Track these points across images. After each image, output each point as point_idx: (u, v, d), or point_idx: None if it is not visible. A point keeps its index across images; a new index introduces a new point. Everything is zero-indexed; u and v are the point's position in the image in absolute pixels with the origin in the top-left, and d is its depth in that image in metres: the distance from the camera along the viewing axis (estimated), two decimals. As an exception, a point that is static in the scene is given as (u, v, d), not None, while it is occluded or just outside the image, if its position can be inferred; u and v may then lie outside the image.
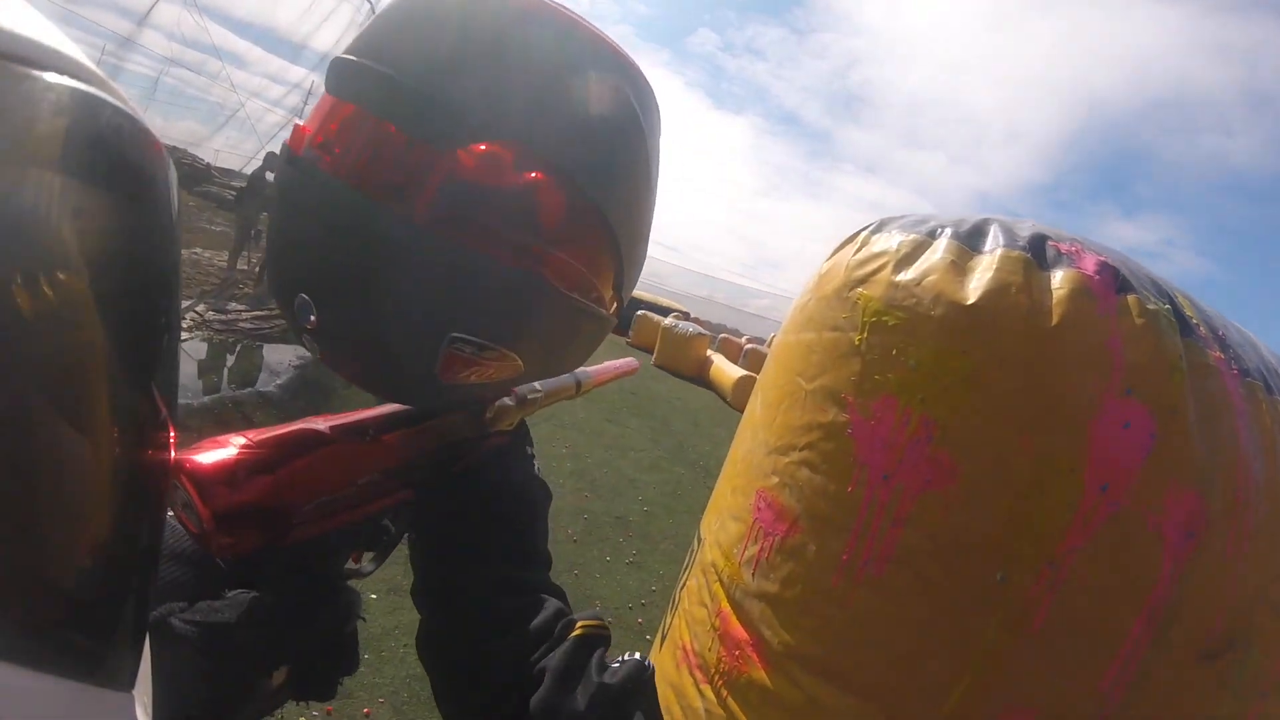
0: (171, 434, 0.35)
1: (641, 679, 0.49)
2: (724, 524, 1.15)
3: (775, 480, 1.04)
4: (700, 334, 13.46)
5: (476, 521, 0.55)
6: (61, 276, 0.26)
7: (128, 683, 0.31)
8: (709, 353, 13.09)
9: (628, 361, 0.85)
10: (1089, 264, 0.93)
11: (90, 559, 0.29)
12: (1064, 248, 0.95)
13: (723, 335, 16.66)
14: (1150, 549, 0.87)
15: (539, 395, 0.63)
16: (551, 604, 0.54)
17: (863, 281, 1.01)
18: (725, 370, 12.01)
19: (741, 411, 1.34)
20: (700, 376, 12.66)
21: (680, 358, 12.93)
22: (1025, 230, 0.97)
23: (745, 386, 10.33)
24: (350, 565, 0.53)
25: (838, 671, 0.95)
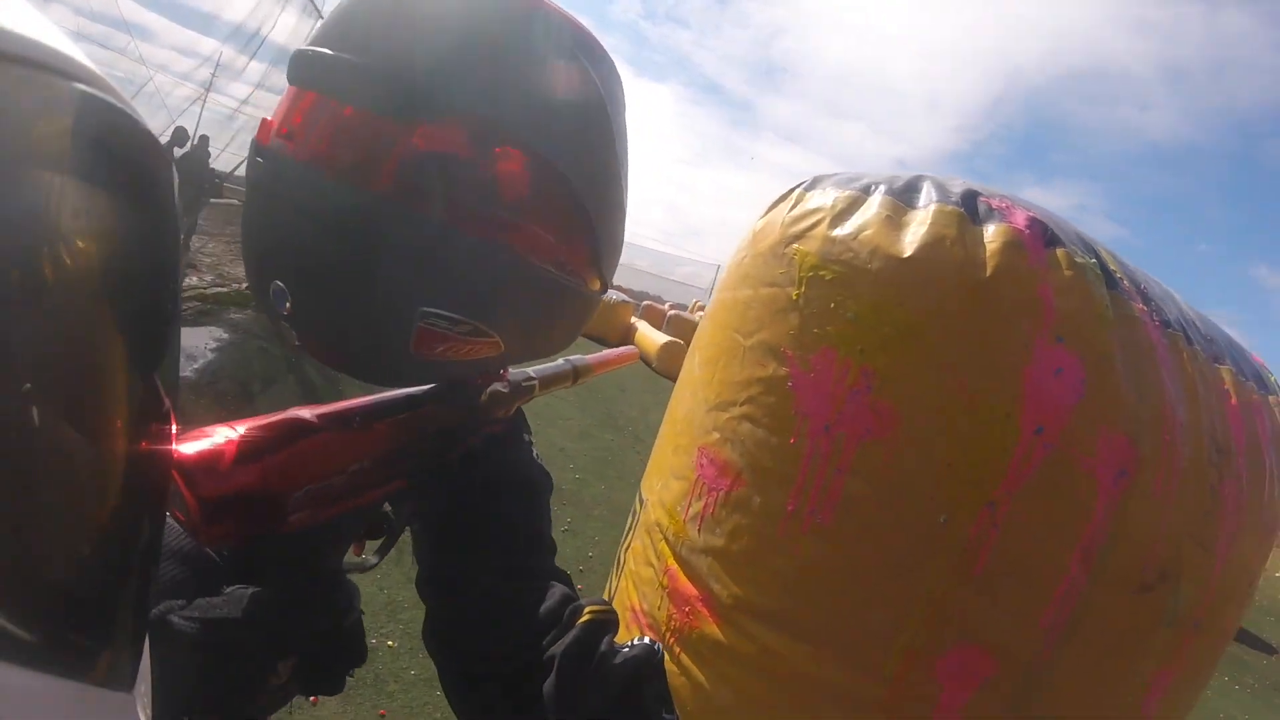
0: (173, 432, 0.34)
1: (652, 662, 0.48)
2: (666, 483, 1.16)
3: (716, 436, 1.05)
4: (624, 301, 13.36)
5: (477, 509, 0.54)
6: (62, 275, 0.26)
7: (128, 683, 0.30)
8: (633, 320, 13.08)
9: (628, 349, 0.82)
10: (1019, 219, 0.96)
11: (90, 558, 0.28)
12: (995, 203, 0.98)
13: (646, 302, 16.60)
14: (1084, 489, 0.92)
15: (534, 383, 0.62)
16: (558, 590, 0.53)
17: (798, 237, 1.02)
18: (650, 337, 12.02)
19: (667, 378, 1.34)
20: (625, 344, 12.67)
21: (605, 326, 12.85)
22: (957, 187, 1.00)
23: (670, 352, 10.38)
24: (353, 558, 0.52)
25: (789, 620, 0.98)
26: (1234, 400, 1.10)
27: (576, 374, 0.70)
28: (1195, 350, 1.06)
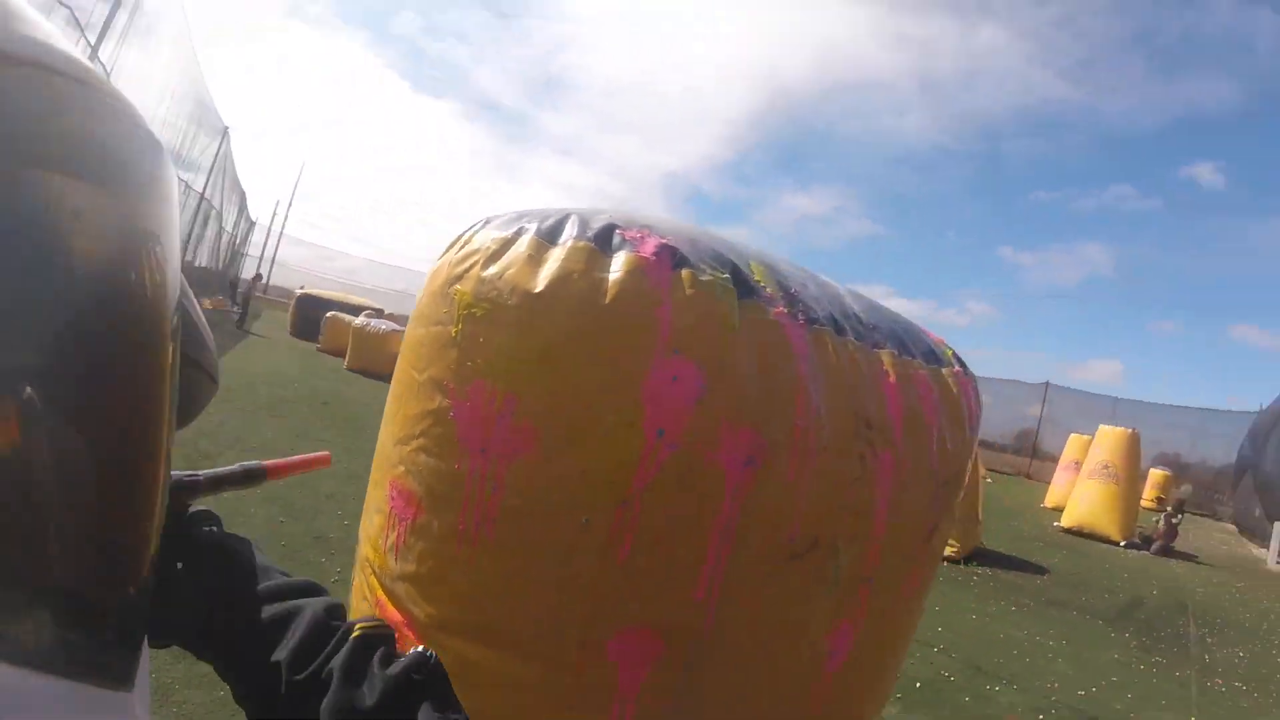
0: (173, 432, 0.35)
1: (425, 667, 0.51)
2: (370, 518, 1.24)
3: (401, 469, 1.13)
4: (394, 330, 13.15)
5: (192, 566, 0.53)
6: (62, 273, 0.25)
7: (128, 683, 0.30)
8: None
9: (320, 455, 0.76)
10: (649, 247, 1.08)
11: (90, 560, 0.28)
12: (629, 234, 1.09)
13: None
14: (711, 479, 1.04)
15: (197, 479, 0.59)
16: (316, 603, 0.54)
17: (459, 278, 1.11)
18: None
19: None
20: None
21: (374, 358, 12.52)
22: (599, 222, 1.11)
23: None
24: None
25: (476, 629, 1.07)
26: (892, 378, 1.26)
27: (248, 475, 0.65)
28: (846, 341, 1.21)
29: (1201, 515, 21.49)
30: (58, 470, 0.26)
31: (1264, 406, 18.22)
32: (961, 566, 7.91)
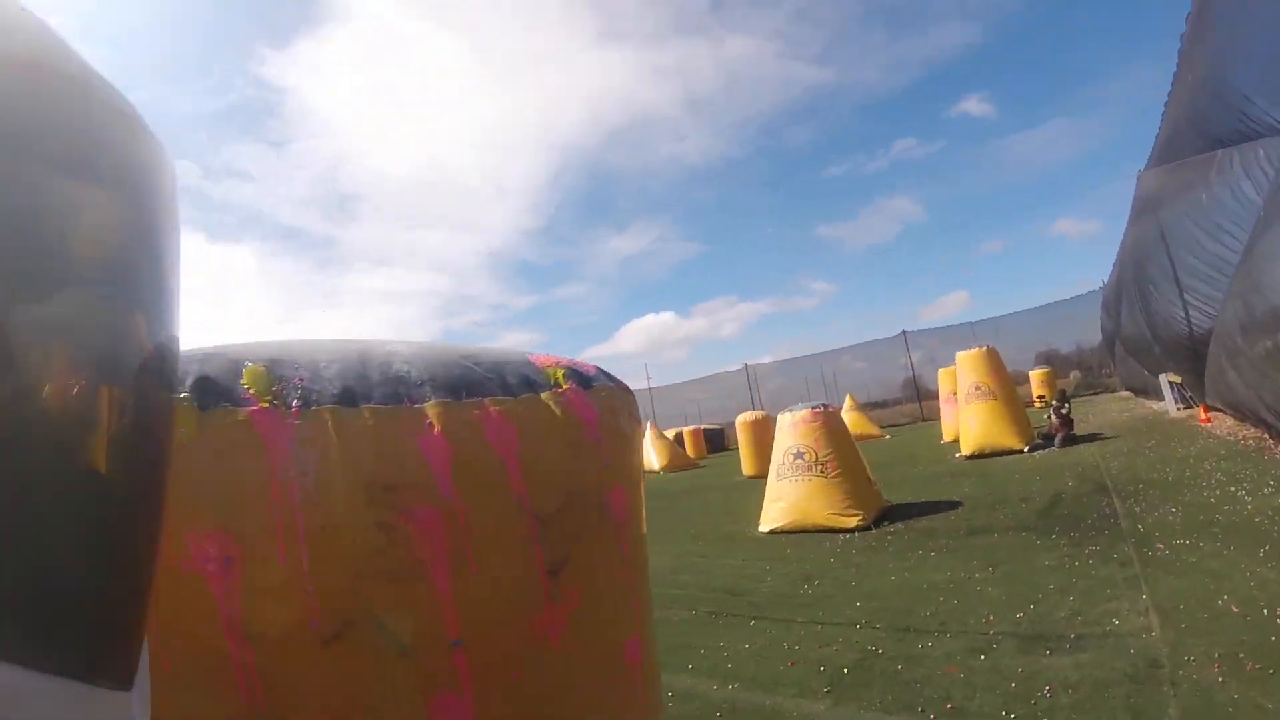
0: (173, 431, 0.34)
1: None
2: None
3: None
4: None
5: None
6: (61, 272, 0.26)
7: (127, 683, 0.32)
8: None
9: None
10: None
11: (90, 561, 0.28)
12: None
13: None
14: (196, 585, 0.98)
15: None
16: None
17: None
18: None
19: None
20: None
21: None
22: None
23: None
24: None
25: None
26: (436, 429, 1.20)
27: None
28: (359, 410, 1.15)
29: (1096, 394, 22.62)
30: (59, 474, 0.26)
31: (1104, 281, 19.45)
32: (873, 531, 7.88)
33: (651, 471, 23.81)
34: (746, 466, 16.17)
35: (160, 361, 0.34)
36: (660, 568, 7.75)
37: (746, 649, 4.81)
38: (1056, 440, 12.34)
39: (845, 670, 4.08)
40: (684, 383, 51.75)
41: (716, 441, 27.10)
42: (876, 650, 4.31)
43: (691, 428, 31.37)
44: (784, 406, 9.40)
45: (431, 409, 1.22)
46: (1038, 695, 3.30)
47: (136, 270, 0.31)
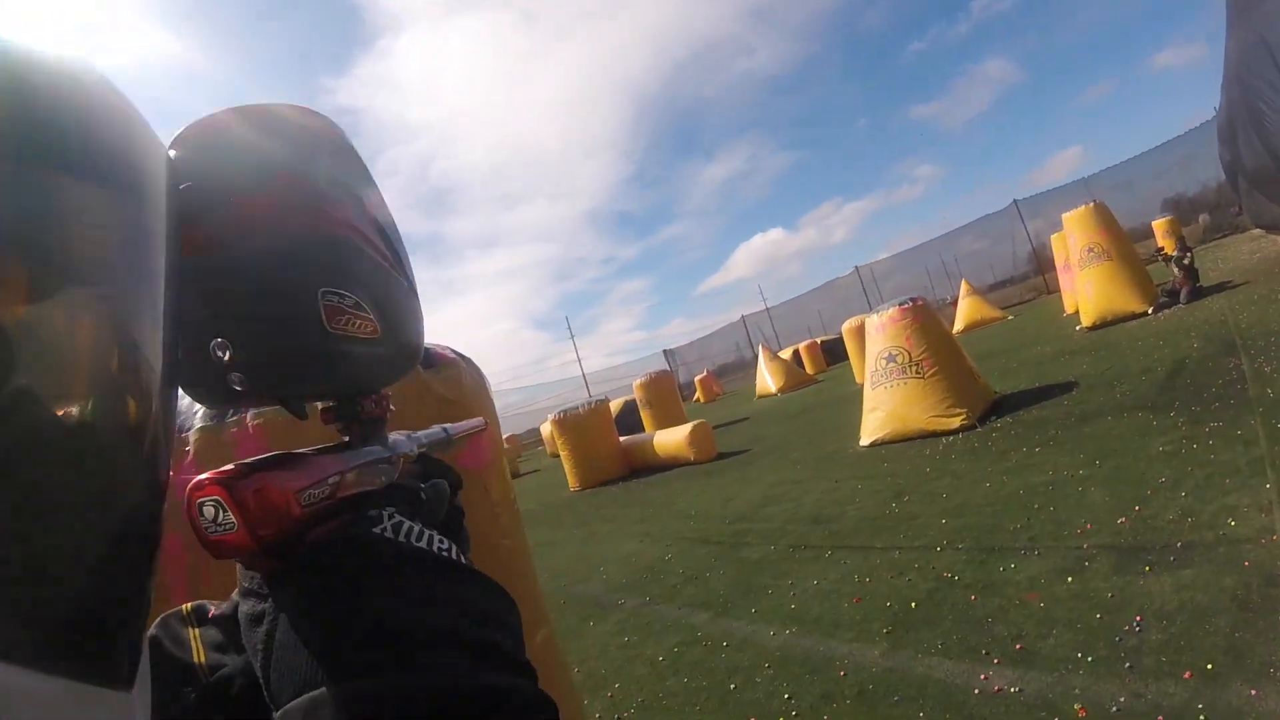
0: (172, 433, 0.37)
1: None
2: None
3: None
4: None
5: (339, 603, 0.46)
6: (60, 271, 0.26)
7: (128, 683, 0.30)
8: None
9: (477, 420, 0.87)
10: None
11: (91, 559, 0.28)
12: None
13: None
14: None
15: (423, 444, 0.68)
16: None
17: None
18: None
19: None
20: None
21: None
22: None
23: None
24: None
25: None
26: (190, 457, 1.22)
27: (450, 438, 0.75)
28: None
29: (1225, 237, 20.07)
30: (59, 471, 0.26)
31: (1216, 110, 16.90)
32: (978, 430, 7.16)
33: (768, 394, 23.32)
34: (859, 374, 15.35)
35: (159, 362, 0.33)
36: (749, 502, 7.41)
37: (815, 586, 4.41)
38: (1182, 295, 10.96)
39: (913, 605, 3.61)
40: (800, 296, 50.64)
41: (838, 352, 25.99)
42: (952, 578, 3.80)
43: (806, 343, 30.42)
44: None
45: (194, 435, 1.24)
46: (1125, 629, 2.72)
47: (135, 271, 0.31)
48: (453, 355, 1.67)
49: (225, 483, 0.43)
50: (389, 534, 0.51)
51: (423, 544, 0.52)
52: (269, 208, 0.51)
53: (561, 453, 14.23)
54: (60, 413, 0.26)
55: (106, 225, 0.29)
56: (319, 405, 0.60)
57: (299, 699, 0.41)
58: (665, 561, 6.18)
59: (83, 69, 0.29)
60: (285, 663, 0.44)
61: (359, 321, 0.54)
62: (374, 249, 0.57)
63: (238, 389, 0.51)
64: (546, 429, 18.00)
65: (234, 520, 0.43)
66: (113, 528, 0.30)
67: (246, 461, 0.47)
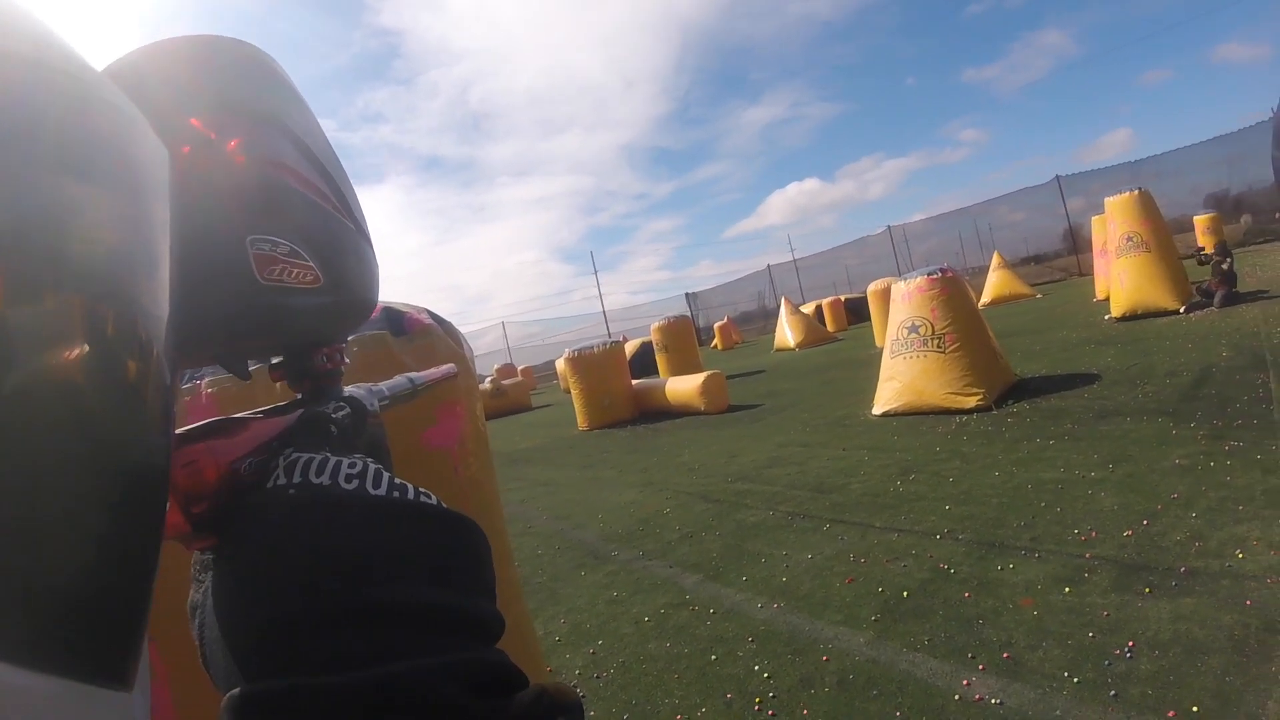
0: (173, 428, 0.37)
1: None
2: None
3: None
4: None
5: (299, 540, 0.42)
6: (58, 270, 0.26)
7: (128, 683, 0.30)
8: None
9: (447, 367, 0.86)
10: None
11: (90, 558, 0.28)
12: None
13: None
14: None
15: (385, 397, 0.65)
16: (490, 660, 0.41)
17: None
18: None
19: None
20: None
21: None
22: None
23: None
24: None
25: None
26: None
27: (415, 387, 0.73)
28: None
29: (1266, 243, 19.36)
30: (58, 467, 0.26)
31: (1275, 108, 16.15)
32: (994, 413, 7.07)
33: (786, 348, 23.19)
34: (879, 338, 15.19)
35: (158, 362, 0.33)
36: (754, 462, 7.40)
37: (809, 560, 4.40)
38: (1216, 299, 10.65)
39: (905, 595, 3.60)
40: (829, 250, 49.92)
41: (861, 311, 25.60)
42: (949, 570, 3.77)
43: (830, 299, 30.07)
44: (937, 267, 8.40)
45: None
46: (1115, 653, 2.69)
47: (134, 271, 0.31)
48: (428, 320, 1.59)
49: None
50: (280, 480, 0.45)
51: (324, 478, 0.44)
52: (180, 155, 0.47)
53: (573, 390, 14.28)
54: (59, 415, 0.26)
55: (106, 225, 0.29)
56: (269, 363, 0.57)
57: (224, 699, 0.39)
58: (663, 515, 6.21)
59: (82, 68, 0.29)
60: (212, 655, 0.42)
61: (296, 270, 0.51)
62: (311, 190, 0.53)
63: None
64: (561, 364, 18.09)
65: None
66: (114, 525, 0.30)
67: (178, 431, 0.44)
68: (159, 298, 0.34)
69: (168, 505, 0.38)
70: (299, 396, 0.57)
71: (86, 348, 0.27)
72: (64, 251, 0.26)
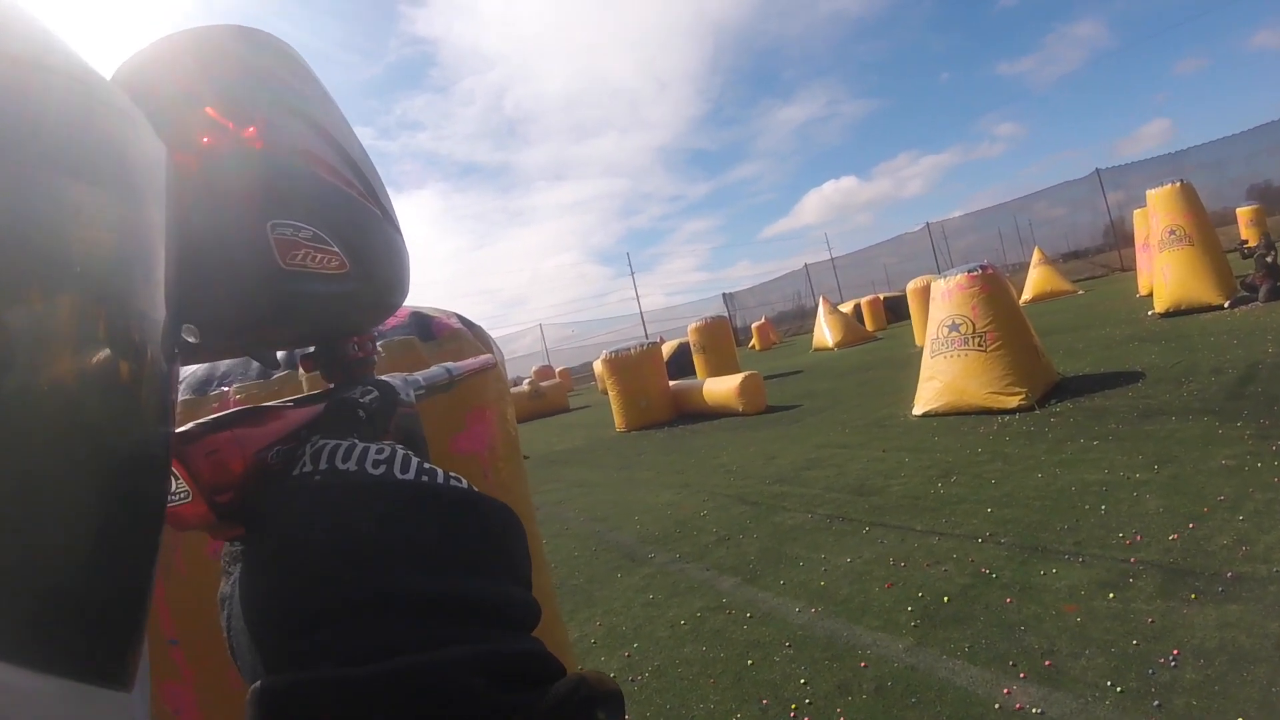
0: (171, 428, 0.37)
1: None
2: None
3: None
4: None
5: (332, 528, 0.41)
6: (59, 273, 0.26)
7: (128, 683, 0.30)
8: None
9: (485, 358, 0.86)
10: None
11: (90, 557, 0.28)
12: None
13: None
14: None
15: (422, 387, 0.64)
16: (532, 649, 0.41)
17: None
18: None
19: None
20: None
21: None
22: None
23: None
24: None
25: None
26: None
27: (451, 377, 0.73)
28: None
29: None
30: (57, 466, 0.26)
31: None
32: (1036, 412, 6.96)
33: (825, 348, 23.02)
34: (919, 337, 14.99)
35: (158, 362, 0.33)
36: (792, 463, 7.38)
37: (848, 564, 4.39)
38: (1261, 293, 10.32)
39: (945, 600, 3.57)
40: (867, 248, 49.37)
41: (900, 310, 25.22)
42: (990, 575, 3.73)
43: (868, 298, 29.73)
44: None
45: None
46: (1159, 662, 2.65)
47: (131, 272, 0.31)
48: (458, 324, 1.55)
49: (174, 446, 0.39)
50: (306, 467, 0.44)
51: (350, 464, 0.43)
52: (200, 145, 0.47)
53: (610, 392, 14.34)
54: (59, 415, 0.26)
55: (106, 226, 0.29)
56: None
57: (248, 692, 0.38)
58: (700, 517, 6.22)
59: (83, 70, 0.30)
60: (238, 647, 0.41)
61: (320, 255, 0.50)
62: (335, 176, 0.53)
63: (192, 341, 0.47)
64: (599, 366, 18.35)
65: (187, 488, 0.40)
66: (114, 525, 0.30)
67: (204, 420, 0.44)
68: (155, 298, 0.34)
69: (190, 498, 0.39)
70: (331, 386, 0.56)
71: (83, 348, 0.28)
72: (63, 252, 0.26)
